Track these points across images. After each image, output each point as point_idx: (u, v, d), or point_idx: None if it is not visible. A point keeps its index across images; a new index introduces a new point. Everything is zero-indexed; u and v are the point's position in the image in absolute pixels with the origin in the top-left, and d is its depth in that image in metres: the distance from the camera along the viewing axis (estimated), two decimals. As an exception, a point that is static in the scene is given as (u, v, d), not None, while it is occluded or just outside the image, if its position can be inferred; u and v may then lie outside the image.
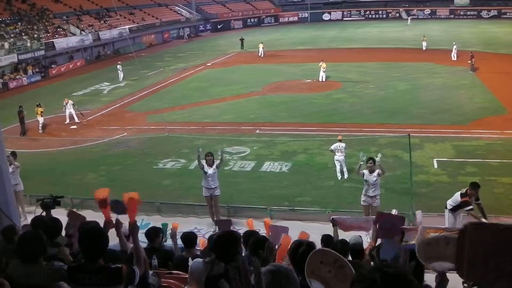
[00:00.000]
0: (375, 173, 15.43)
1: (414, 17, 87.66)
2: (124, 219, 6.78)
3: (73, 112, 32.31)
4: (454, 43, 48.38)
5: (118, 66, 46.63)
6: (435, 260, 3.53)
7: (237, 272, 4.23)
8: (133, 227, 6.22)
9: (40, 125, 30.67)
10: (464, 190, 13.64)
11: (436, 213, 15.30)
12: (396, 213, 11.74)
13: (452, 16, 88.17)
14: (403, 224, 9.85)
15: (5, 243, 6.96)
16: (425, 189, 18.97)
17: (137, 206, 6.45)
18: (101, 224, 6.24)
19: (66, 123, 32.00)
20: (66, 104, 32.29)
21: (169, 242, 10.51)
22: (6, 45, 52.44)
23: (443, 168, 21.08)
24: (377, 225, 9.20)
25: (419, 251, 3.64)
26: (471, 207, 13.40)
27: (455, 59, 46.30)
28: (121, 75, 46.21)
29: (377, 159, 15.56)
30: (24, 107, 30.84)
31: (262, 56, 56.33)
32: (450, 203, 14.01)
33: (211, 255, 6.82)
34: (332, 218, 10.44)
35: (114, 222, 7.04)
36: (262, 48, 56.96)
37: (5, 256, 5.68)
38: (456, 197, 13.79)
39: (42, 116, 30.70)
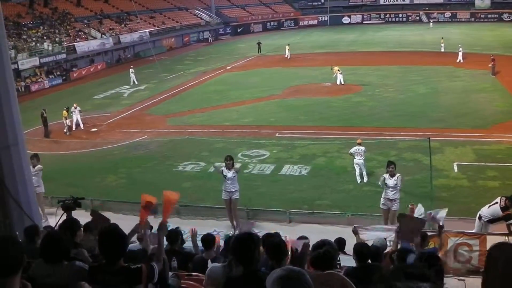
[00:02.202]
0: (395, 177, 15.39)
1: (435, 20, 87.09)
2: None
3: (79, 119, 32.08)
4: (459, 45, 48.84)
5: (131, 70, 47.02)
6: None
7: None
8: (162, 228, 6.34)
9: (66, 127, 31.03)
10: (502, 203, 12.92)
11: (457, 217, 15.21)
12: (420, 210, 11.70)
13: (472, 19, 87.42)
14: (422, 227, 9.86)
15: (27, 242, 7.04)
16: (446, 193, 18.82)
17: (172, 207, 6.60)
18: (122, 227, 6.28)
19: (73, 129, 31.74)
20: (75, 109, 31.93)
21: (188, 244, 10.60)
22: (45, 45, 53.34)
23: (464, 172, 20.90)
24: (398, 227, 9.19)
25: None
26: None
27: (461, 61, 46.95)
28: (132, 78, 46.52)
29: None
30: (46, 110, 31.14)
31: (288, 58, 56.71)
32: (486, 215, 13.34)
33: (229, 257, 6.87)
34: (354, 226, 10.44)
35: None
36: (288, 50, 57.44)
37: (27, 256, 5.76)
38: (496, 211, 13.09)
39: (67, 118, 30.96)
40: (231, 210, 16.83)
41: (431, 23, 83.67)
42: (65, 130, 30.99)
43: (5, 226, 7.59)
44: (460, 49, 47.95)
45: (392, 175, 15.38)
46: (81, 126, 31.98)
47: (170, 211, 6.72)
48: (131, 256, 6.13)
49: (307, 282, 3.35)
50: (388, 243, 10.73)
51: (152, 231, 7.84)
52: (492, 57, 40.82)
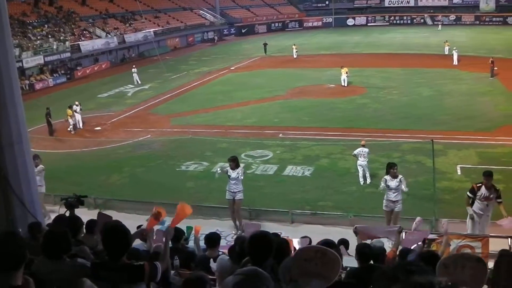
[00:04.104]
0: (398, 179, 15.36)
1: (439, 23, 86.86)
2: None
3: (80, 118, 32.11)
4: (455, 48, 49.51)
5: (133, 70, 47.11)
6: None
7: None
8: (169, 231, 6.41)
9: (71, 125, 31.10)
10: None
11: (459, 220, 15.21)
12: (420, 221, 11.72)
13: (477, 22, 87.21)
14: (426, 236, 10.00)
15: (29, 239, 7.06)
16: (449, 196, 18.80)
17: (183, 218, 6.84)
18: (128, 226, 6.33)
19: (78, 128, 31.89)
20: (77, 107, 31.87)
21: (191, 243, 10.59)
22: (55, 44, 53.82)
23: (467, 175, 20.81)
24: (400, 227, 9.23)
25: (440, 274, 3.51)
26: (471, 195, 14.32)
27: (456, 63, 47.50)
28: (135, 78, 46.57)
29: (404, 189, 15.51)
30: (51, 108, 31.22)
31: (296, 57, 57.19)
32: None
33: (235, 256, 6.88)
34: (355, 227, 10.44)
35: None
36: (296, 50, 57.97)
37: (29, 252, 5.78)
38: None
39: (72, 117, 31.06)
40: (234, 210, 16.85)
41: (440, 26, 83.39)
42: (69, 129, 31.04)
43: (7, 223, 7.59)
44: (455, 51, 48.45)
45: (394, 177, 15.36)
46: (81, 125, 32.04)
47: (180, 221, 6.91)
48: (134, 254, 6.14)
49: (264, 277, 3.38)
50: (389, 244, 10.73)
51: (160, 227, 7.98)
52: (491, 59, 40.85)
